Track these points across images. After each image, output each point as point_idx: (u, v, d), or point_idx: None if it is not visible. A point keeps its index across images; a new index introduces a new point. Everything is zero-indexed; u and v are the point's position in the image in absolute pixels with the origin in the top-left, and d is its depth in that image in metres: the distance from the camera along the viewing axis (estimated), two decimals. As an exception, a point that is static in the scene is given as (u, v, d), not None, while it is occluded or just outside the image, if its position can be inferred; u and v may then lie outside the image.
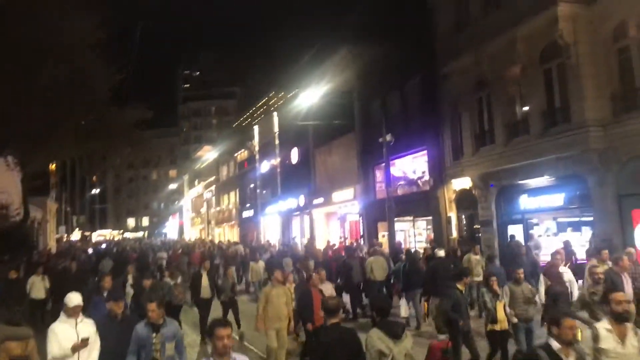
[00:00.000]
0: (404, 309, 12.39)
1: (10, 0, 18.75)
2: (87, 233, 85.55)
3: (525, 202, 16.36)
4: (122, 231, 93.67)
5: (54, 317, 6.46)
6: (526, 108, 15.74)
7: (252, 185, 40.89)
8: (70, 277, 13.96)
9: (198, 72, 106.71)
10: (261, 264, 16.87)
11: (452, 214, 19.33)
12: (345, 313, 13.30)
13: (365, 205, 24.36)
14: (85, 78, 22.61)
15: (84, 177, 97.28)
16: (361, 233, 24.79)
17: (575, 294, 9.15)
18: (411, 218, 21.75)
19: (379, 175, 24.22)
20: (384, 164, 23.54)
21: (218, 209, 49.68)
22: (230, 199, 47.05)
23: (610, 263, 9.39)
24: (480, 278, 12.01)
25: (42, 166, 25.60)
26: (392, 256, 17.20)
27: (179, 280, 12.63)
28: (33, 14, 19.02)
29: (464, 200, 18.77)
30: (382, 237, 23.91)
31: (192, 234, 59.11)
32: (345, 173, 25.78)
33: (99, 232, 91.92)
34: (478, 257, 13.47)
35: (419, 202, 20.92)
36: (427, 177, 21.06)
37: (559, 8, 13.49)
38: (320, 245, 25.61)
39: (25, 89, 20.46)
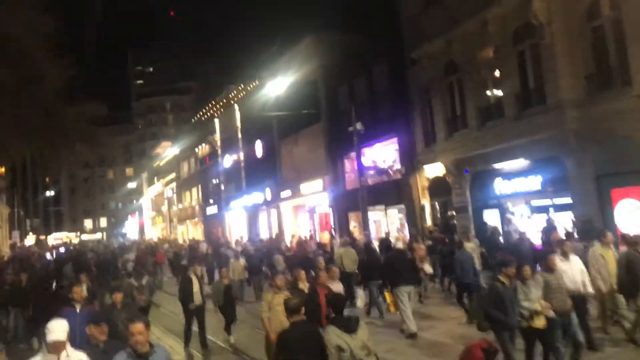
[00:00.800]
0: (360, 299, 12.19)
1: None
2: (42, 237, 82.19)
3: (500, 186, 16.15)
4: (79, 233, 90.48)
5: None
6: (499, 91, 15.51)
7: (215, 181, 39.82)
8: (19, 292, 12.23)
9: (151, 68, 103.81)
10: (242, 262, 15.94)
11: (426, 202, 19.05)
12: None
13: (335, 196, 23.86)
14: (34, 74, 21.34)
15: (36, 178, 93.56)
16: (332, 225, 24.28)
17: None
18: (383, 207, 21.37)
19: (348, 165, 23.77)
20: (353, 154, 23.14)
21: (180, 206, 48.30)
22: (193, 196, 45.79)
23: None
24: (478, 267, 11.43)
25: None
26: (365, 246, 16.90)
27: (144, 281, 12.09)
28: None
29: (438, 187, 18.50)
30: (354, 227, 23.55)
31: (153, 233, 57.42)
32: (313, 164, 25.19)
33: (54, 235, 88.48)
34: (473, 244, 12.49)
35: (390, 190, 20.57)
36: (398, 165, 20.73)
37: (533, -13, 13.23)
38: (288, 239, 25.04)
39: None
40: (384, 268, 11.15)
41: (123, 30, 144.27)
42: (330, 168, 24.04)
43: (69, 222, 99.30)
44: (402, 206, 20.43)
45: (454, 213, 17.86)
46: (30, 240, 75.61)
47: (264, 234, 31.25)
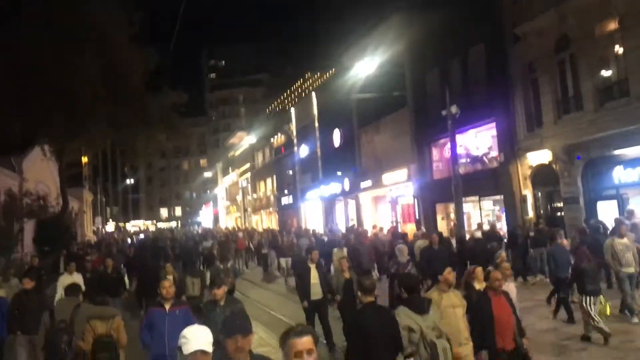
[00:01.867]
0: None
1: None
2: (121, 224, 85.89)
3: (620, 175, 14.35)
4: (155, 221, 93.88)
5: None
6: (623, 68, 13.72)
7: (290, 171, 39.42)
8: (107, 277, 11.62)
9: (223, 62, 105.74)
10: (345, 251, 14.18)
11: (528, 192, 17.42)
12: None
13: (420, 187, 22.57)
14: (118, 62, 21.63)
15: (116, 167, 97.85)
16: (416, 216, 23.02)
17: None
18: (476, 198, 19.88)
19: (436, 153, 22.42)
20: (441, 141, 21.85)
21: (255, 196, 48.42)
22: (267, 186, 45.71)
23: None
24: (632, 269, 9.77)
25: (78, 155, 24.64)
26: (457, 239, 15.70)
27: (229, 264, 12.98)
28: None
29: (542, 175, 16.83)
30: (442, 219, 22.23)
31: (227, 222, 58.17)
32: (397, 153, 23.98)
33: (132, 222, 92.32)
34: (626, 240, 10.18)
35: (485, 180, 19.03)
36: (494, 152, 19.18)
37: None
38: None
39: (63, 79, 19.62)
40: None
41: (199, 24, 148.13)
42: (416, 156, 22.77)
43: (146, 210, 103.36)
44: (499, 197, 18.89)
45: (561, 205, 16.17)
46: (110, 226, 79.32)
47: (341, 225, 30.47)
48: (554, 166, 16.13)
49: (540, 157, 16.68)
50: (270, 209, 44.68)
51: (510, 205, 17.92)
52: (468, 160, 20.68)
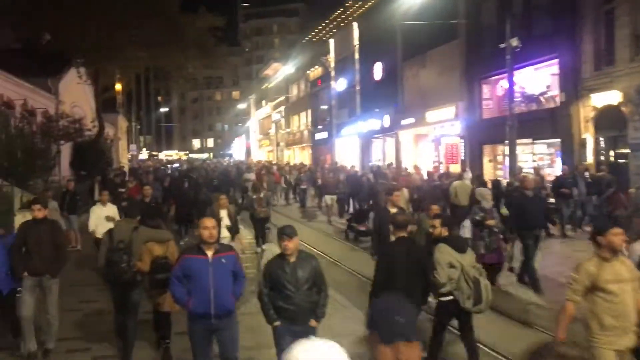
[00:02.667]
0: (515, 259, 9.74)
1: None
2: (154, 153, 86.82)
3: (700, 120, 13.02)
4: (187, 152, 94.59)
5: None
6: None
7: (326, 105, 38.30)
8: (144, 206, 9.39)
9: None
10: (405, 192, 12.52)
11: (588, 135, 16.15)
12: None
13: (467, 126, 21.38)
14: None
15: (149, 96, 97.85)
16: (462, 157, 21.98)
17: None
18: (529, 141, 18.67)
19: (487, 90, 21.05)
20: (493, 78, 20.49)
21: (288, 130, 47.64)
22: (301, 120, 44.79)
23: None
24: None
25: (112, 79, 23.98)
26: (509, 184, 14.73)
27: (262, 194, 12.82)
28: None
29: (607, 118, 15.48)
30: (489, 161, 21.19)
31: (260, 156, 57.95)
32: (444, 89, 22.65)
33: (165, 152, 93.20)
34: None
35: (540, 122, 17.75)
36: (553, 91, 17.79)
37: None
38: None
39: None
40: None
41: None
42: (464, 93, 21.44)
43: (179, 141, 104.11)
44: (555, 140, 17.66)
45: (627, 151, 14.94)
46: (144, 155, 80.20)
47: (377, 163, 29.66)
48: (622, 108, 14.76)
49: (607, 98, 15.27)
50: (304, 144, 43.96)
51: (568, 149, 16.72)
52: (522, 99, 19.34)
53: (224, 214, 9.59)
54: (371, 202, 15.81)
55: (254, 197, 12.81)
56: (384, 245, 5.75)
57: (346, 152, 34.97)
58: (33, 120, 20.29)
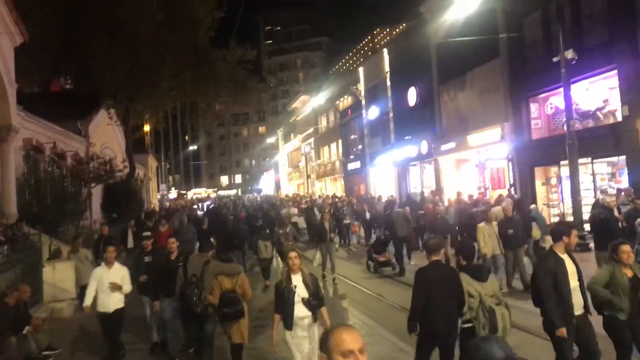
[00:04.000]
0: None
1: None
2: (183, 192, 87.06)
3: None
4: (215, 189, 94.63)
5: None
6: None
7: (357, 135, 37.36)
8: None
9: (279, 27, 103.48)
10: (495, 226, 11.28)
11: (659, 152, 14.68)
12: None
13: (516, 148, 20.03)
14: (184, 15, 20.09)
15: (177, 135, 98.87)
16: (510, 181, 20.56)
17: None
18: (588, 160, 17.22)
19: (535, 109, 19.74)
20: (541, 95, 19.25)
21: (318, 162, 46.78)
22: (332, 151, 43.90)
23: None
24: None
25: (142, 119, 23.47)
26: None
27: (288, 229, 13.47)
28: None
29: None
30: (542, 184, 19.73)
31: (289, 189, 57.10)
32: (487, 110, 21.45)
33: (194, 190, 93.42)
34: None
35: (600, 139, 16.32)
36: (612, 105, 16.42)
37: None
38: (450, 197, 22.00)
39: (127, 35, 18.34)
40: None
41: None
42: (510, 114, 20.17)
43: (207, 178, 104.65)
44: (618, 159, 16.21)
45: None
46: (173, 194, 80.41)
47: (415, 191, 28.39)
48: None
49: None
50: (336, 175, 42.95)
51: (635, 168, 15.23)
52: (577, 117, 17.96)
53: (297, 280, 5.79)
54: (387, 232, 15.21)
55: (280, 232, 13.55)
56: (419, 270, 5.74)
57: (381, 182, 33.79)
58: (63, 163, 19.79)
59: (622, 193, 13.06)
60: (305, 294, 5.59)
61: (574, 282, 5.33)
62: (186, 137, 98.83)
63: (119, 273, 7.50)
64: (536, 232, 12.83)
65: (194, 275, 6.57)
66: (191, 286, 6.45)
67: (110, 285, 7.25)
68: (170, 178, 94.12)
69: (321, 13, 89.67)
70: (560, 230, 5.57)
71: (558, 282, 5.19)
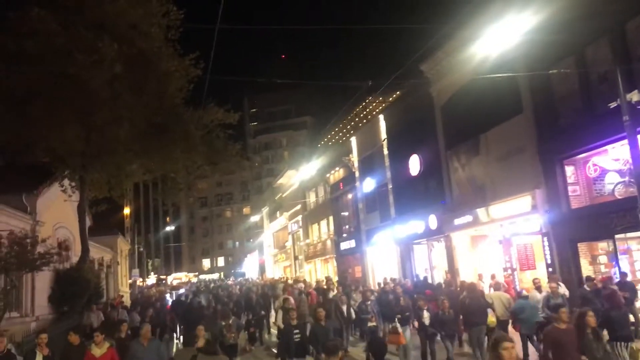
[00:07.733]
0: None
1: None
2: (162, 277, 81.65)
3: None
4: (197, 273, 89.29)
5: None
6: None
7: (351, 210, 33.92)
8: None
9: (264, 109, 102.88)
10: None
11: None
12: None
13: (551, 220, 16.62)
14: (151, 72, 17.03)
15: (158, 216, 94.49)
16: (547, 260, 16.91)
17: None
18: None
19: (572, 173, 16.57)
20: (579, 156, 16.18)
21: (307, 241, 42.87)
22: (322, 229, 40.18)
23: None
24: None
25: (103, 190, 19.67)
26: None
27: (231, 321, 12.64)
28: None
29: None
30: (589, 263, 16.13)
31: (275, 272, 52.63)
32: (510, 176, 18.27)
33: (174, 274, 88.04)
34: None
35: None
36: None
37: None
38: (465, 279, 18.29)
39: (77, 90, 15.15)
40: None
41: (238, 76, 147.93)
42: (541, 179, 16.94)
43: (188, 261, 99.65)
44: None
45: None
46: (151, 279, 74.98)
47: (422, 274, 24.61)
48: None
49: None
50: (327, 256, 38.93)
51: None
52: (627, 179, 14.83)
53: None
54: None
55: (222, 324, 12.58)
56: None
57: (380, 262, 29.95)
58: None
59: None
60: None
61: None
62: (167, 219, 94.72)
63: None
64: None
65: None
66: None
67: None
68: (150, 262, 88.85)
69: (306, 94, 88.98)
70: None
71: None
